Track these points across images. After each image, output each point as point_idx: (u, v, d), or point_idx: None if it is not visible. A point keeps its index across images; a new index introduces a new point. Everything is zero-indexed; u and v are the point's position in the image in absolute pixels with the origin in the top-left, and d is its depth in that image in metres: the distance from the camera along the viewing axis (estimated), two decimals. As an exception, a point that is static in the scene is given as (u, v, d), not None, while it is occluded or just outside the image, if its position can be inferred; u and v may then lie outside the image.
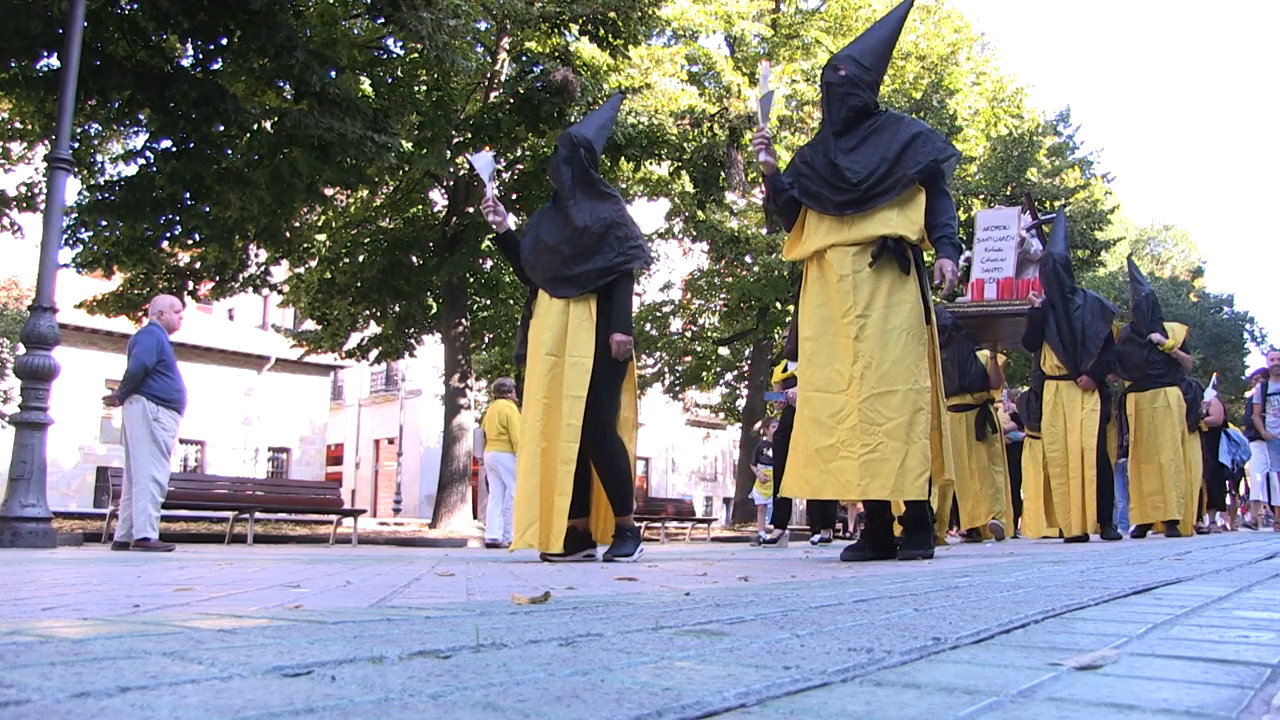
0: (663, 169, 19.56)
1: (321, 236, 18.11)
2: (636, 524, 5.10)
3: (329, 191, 15.28)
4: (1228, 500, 14.80)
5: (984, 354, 9.56)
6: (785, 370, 9.79)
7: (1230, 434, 13.28)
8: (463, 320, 17.72)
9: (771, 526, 10.40)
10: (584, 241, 4.96)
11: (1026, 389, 11.07)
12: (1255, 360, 40.62)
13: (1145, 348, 9.36)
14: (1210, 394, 13.30)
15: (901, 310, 4.32)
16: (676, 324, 26.19)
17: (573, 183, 5.13)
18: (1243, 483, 14.72)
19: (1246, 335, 41.29)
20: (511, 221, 5.68)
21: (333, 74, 11.87)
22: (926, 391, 4.25)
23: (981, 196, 21.88)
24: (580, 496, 4.90)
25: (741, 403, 26.95)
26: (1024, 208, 10.70)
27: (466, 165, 16.85)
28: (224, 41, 11.51)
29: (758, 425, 18.71)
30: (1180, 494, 9.13)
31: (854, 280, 4.38)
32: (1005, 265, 9.79)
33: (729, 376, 28.64)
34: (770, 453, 11.10)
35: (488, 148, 6.04)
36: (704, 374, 26.44)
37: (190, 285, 16.44)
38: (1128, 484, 9.77)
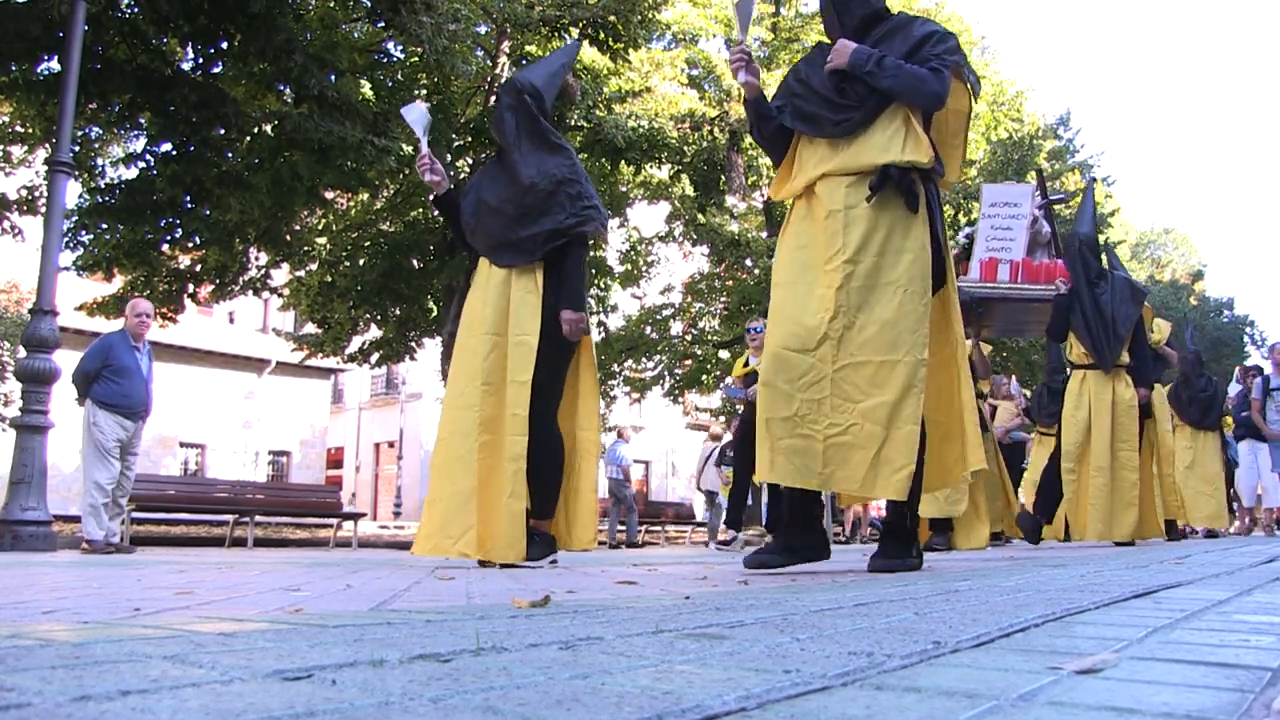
0: (663, 172, 19.57)
1: (322, 240, 18.10)
2: (551, 534, 4.48)
3: (329, 195, 15.28)
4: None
5: (967, 343, 9.14)
6: (746, 365, 9.46)
7: (1221, 434, 13.10)
8: (464, 322, 17.70)
9: (724, 528, 10.02)
10: (530, 200, 4.38)
11: (1040, 384, 10.94)
12: (1254, 363, 40.61)
13: None
14: (1235, 388, 12.96)
15: (901, 260, 3.45)
16: (677, 327, 26.18)
17: (518, 134, 4.52)
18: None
19: (1247, 338, 41.33)
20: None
21: (333, 78, 11.88)
22: (922, 366, 3.39)
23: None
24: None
25: (741, 407, 26.94)
26: (1036, 185, 10.10)
27: (466, 168, 16.87)
28: (224, 45, 11.51)
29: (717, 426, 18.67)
30: (1166, 494, 8.59)
31: (845, 217, 3.49)
32: (1015, 246, 9.16)
33: (729, 380, 28.62)
34: (733, 453, 10.53)
35: (420, 100, 5.44)
36: (704, 377, 26.43)
37: (190, 288, 16.45)
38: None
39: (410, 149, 14.37)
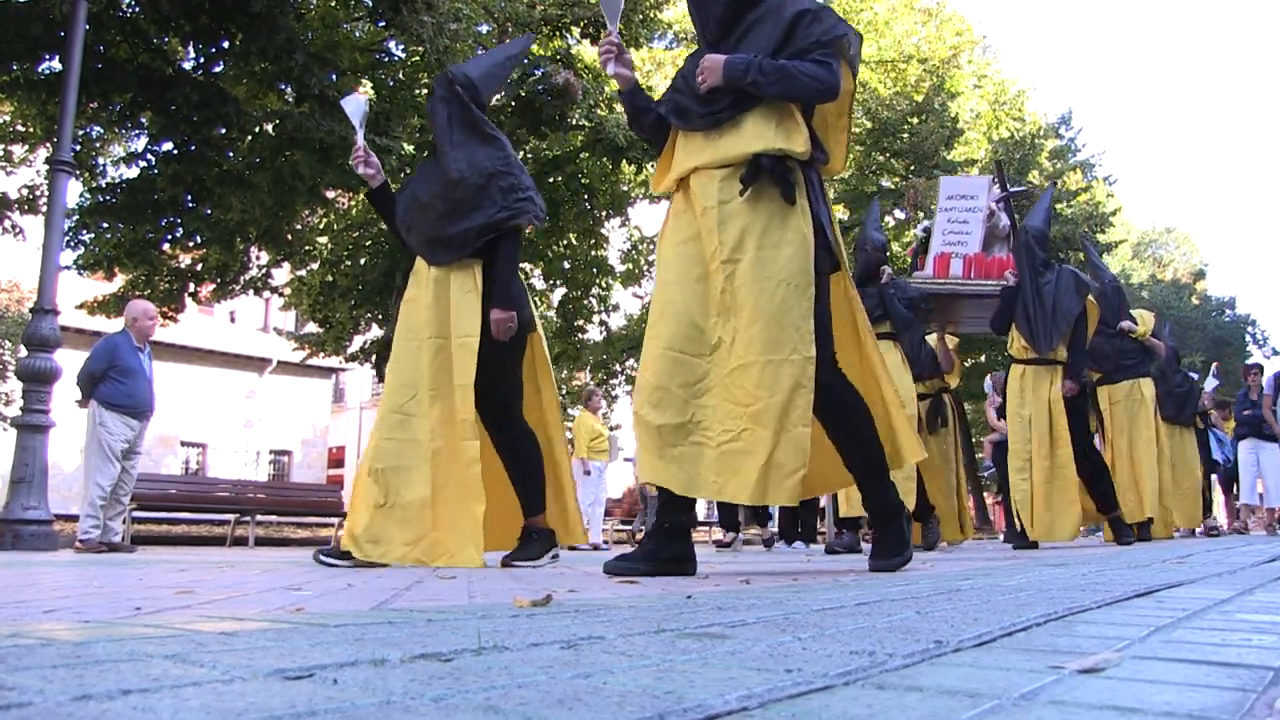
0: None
1: (323, 239, 18.13)
2: (548, 529, 4.43)
3: (330, 194, 15.29)
4: (1223, 500, 14.50)
5: (932, 337, 8.76)
6: None
7: (1216, 432, 12.78)
8: (464, 322, 17.73)
9: (721, 528, 9.89)
10: (460, 195, 4.25)
11: None
12: (1257, 361, 40.60)
13: (1115, 337, 8.67)
14: (1211, 384, 12.74)
15: (780, 255, 3.27)
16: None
17: (449, 126, 4.39)
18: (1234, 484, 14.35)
19: (1248, 338, 41.33)
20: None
21: (334, 77, 11.90)
22: (810, 364, 3.21)
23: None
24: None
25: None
26: (994, 178, 9.70)
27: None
28: (225, 44, 11.53)
29: None
30: (1153, 491, 8.43)
31: (719, 213, 3.32)
32: (970, 240, 8.86)
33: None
34: None
35: (359, 89, 5.15)
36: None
37: (191, 287, 16.46)
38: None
39: (411, 148, 14.41)
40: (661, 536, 3.41)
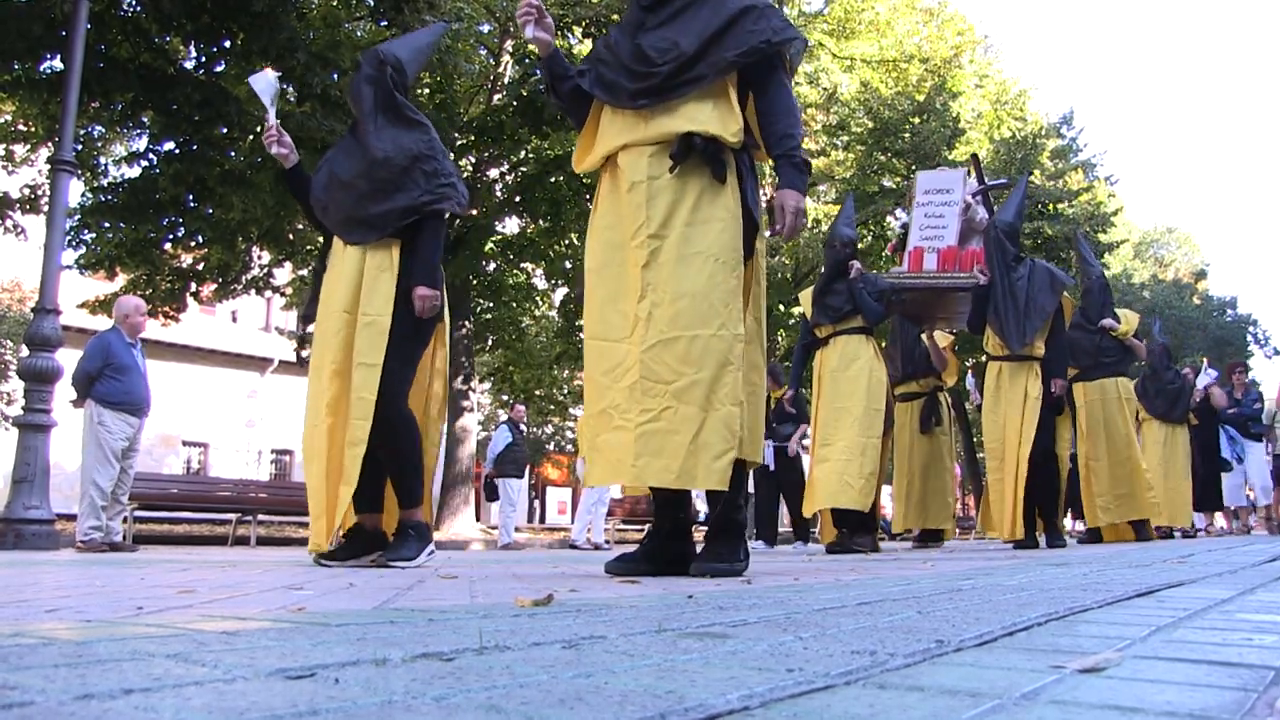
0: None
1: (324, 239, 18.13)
2: (426, 522, 4.30)
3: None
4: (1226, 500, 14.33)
5: (924, 336, 8.65)
6: None
7: (1229, 430, 12.52)
8: (465, 323, 17.75)
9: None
10: (383, 175, 4.18)
11: None
12: (1258, 363, 40.64)
13: (1096, 334, 8.55)
14: (1206, 378, 12.50)
15: (709, 230, 3.16)
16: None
17: (374, 107, 4.31)
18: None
19: (1250, 338, 41.29)
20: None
21: (335, 76, 11.89)
22: (739, 341, 3.10)
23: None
24: (373, 488, 4.23)
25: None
26: (969, 169, 9.56)
27: (469, 166, 16.87)
28: (227, 44, 11.54)
29: None
30: (1137, 491, 8.28)
31: (648, 189, 3.20)
32: (946, 234, 8.66)
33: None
34: None
35: (268, 67, 4.84)
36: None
37: (193, 287, 16.47)
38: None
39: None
40: (662, 536, 3.39)
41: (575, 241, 19.07)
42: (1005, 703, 0.80)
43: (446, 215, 4.42)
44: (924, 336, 8.54)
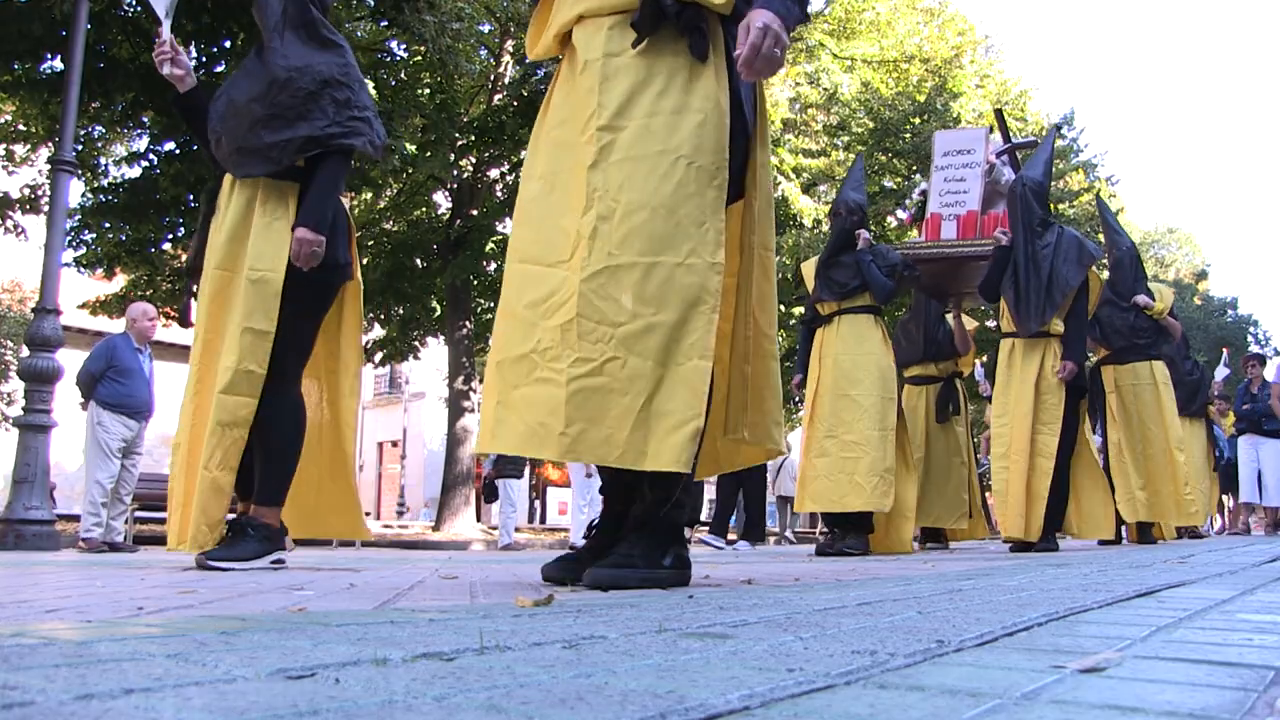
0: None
1: (325, 239, 18.13)
2: (276, 526, 3.68)
3: (332, 194, 15.29)
4: (1224, 498, 14.00)
5: (948, 315, 7.89)
6: None
7: (1213, 427, 11.84)
8: (466, 323, 17.76)
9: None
10: (284, 99, 3.56)
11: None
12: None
13: (1129, 311, 7.61)
14: (1222, 374, 12.03)
15: (682, 123, 2.41)
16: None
17: (282, 20, 3.69)
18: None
19: (1251, 338, 41.26)
20: None
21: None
22: (715, 273, 2.36)
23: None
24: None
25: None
26: (993, 128, 8.74)
27: (470, 167, 16.87)
28: (227, 44, 11.55)
29: None
30: (1173, 488, 7.37)
31: (604, 68, 2.46)
32: (968, 198, 7.83)
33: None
34: None
35: None
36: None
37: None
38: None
39: (414, 148, 14.40)
40: (606, 530, 2.73)
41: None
42: (1006, 702, 0.79)
43: (353, 156, 3.83)
44: (949, 316, 7.83)
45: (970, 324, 8.13)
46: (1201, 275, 48.80)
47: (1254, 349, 40.44)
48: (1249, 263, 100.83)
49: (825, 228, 17.92)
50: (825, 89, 21.76)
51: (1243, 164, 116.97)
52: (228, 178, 3.72)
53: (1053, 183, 23.11)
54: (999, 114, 9.70)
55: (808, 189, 20.45)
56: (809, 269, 6.88)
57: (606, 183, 2.38)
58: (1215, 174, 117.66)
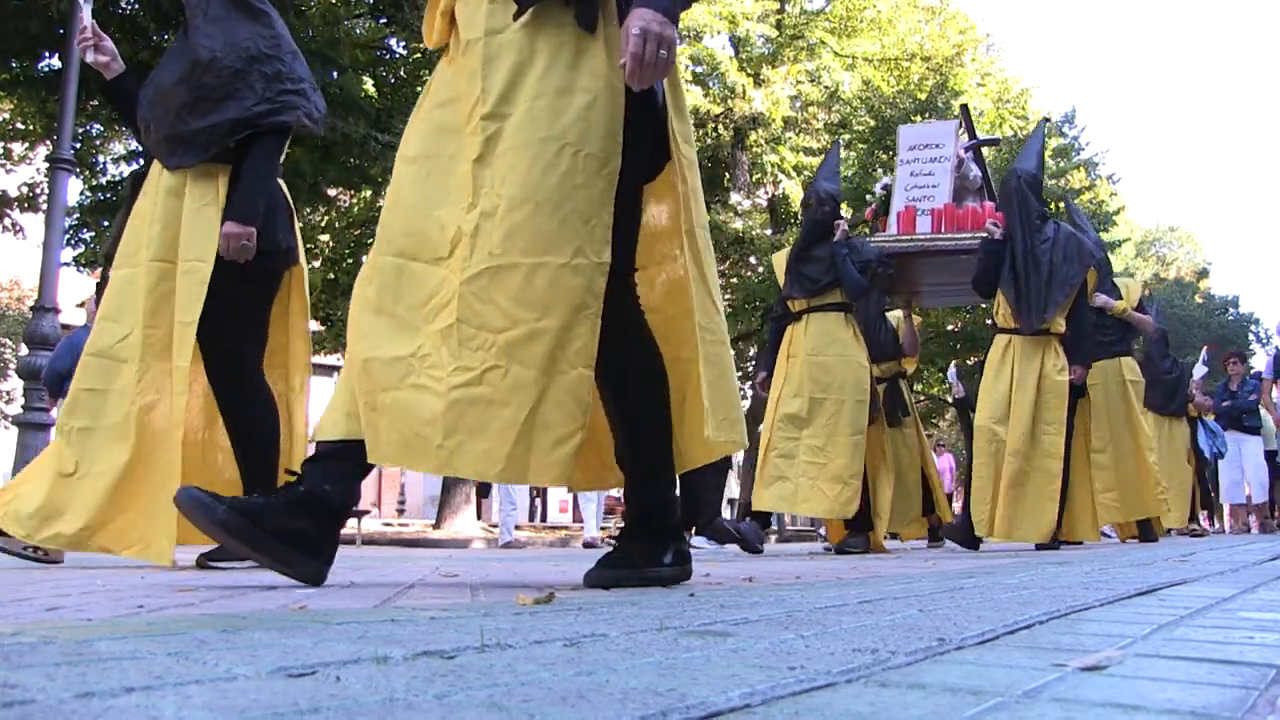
0: (667, 169, 19.53)
1: (325, 237, 18.12)
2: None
3: (332, 192, 15.29)
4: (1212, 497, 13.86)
5: (895, 314, 7.66)
6: None
7: (1206, 423, 11.54)
8: (466, 321, 17.74)
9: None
10: (210, 81, 3.35)
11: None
12: (1260, 362, 40.54)
13: (1092, 310, 7.28)
14: (1200, 371, 11.72)
15: (568, 106, 2.22)
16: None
17: None
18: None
19: (1252, 337, 41.26)
20: None
21: (335, 74, 11.89)
22: (601, 274, 2.22)
23: (985, 197, 21.90)
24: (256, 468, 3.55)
25: (746, 403, 26.95)
26: (961, 123, 8.58)
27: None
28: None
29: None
30: (1143, 487, 7.29)
31: (486, 48, 2.28)
32: (938, 193, 7.71)
33: (733, 377, 28.62)
34: None
35: None
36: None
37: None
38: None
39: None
40: (291, 502, 2.36)
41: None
42: (1007, 700, 0.79)
43: (290, 132, 3.61)
44: (897, 316, 7.61)
45: (918, 320, 7.97)
46: (1203, 273, 48.81)
47: (1255, 347, 40.50)
48: (1250, 261, 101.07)
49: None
50: (826, 87, 21.75)
51: (1244, 162, 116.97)
52: (155, 165, 3.55)
53: (1054, 181, 23.18)
54: (964, 109, 9.55)
55: (808, 187, 20.43)
56: (780, 261, 6.66)
57: (491, 177, 2.24)
58: (1216, 172, 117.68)
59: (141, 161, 3.50)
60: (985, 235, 6.58)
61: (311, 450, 2.54)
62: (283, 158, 3.66)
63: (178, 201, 3.40)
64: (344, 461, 2.34)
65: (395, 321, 2.29)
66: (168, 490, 3.12)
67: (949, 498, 9.33)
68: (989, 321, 7.76)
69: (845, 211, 7.13)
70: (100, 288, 3.93)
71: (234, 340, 3.47)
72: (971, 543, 6.42)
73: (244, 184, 3.40)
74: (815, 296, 6.23)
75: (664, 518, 2.51)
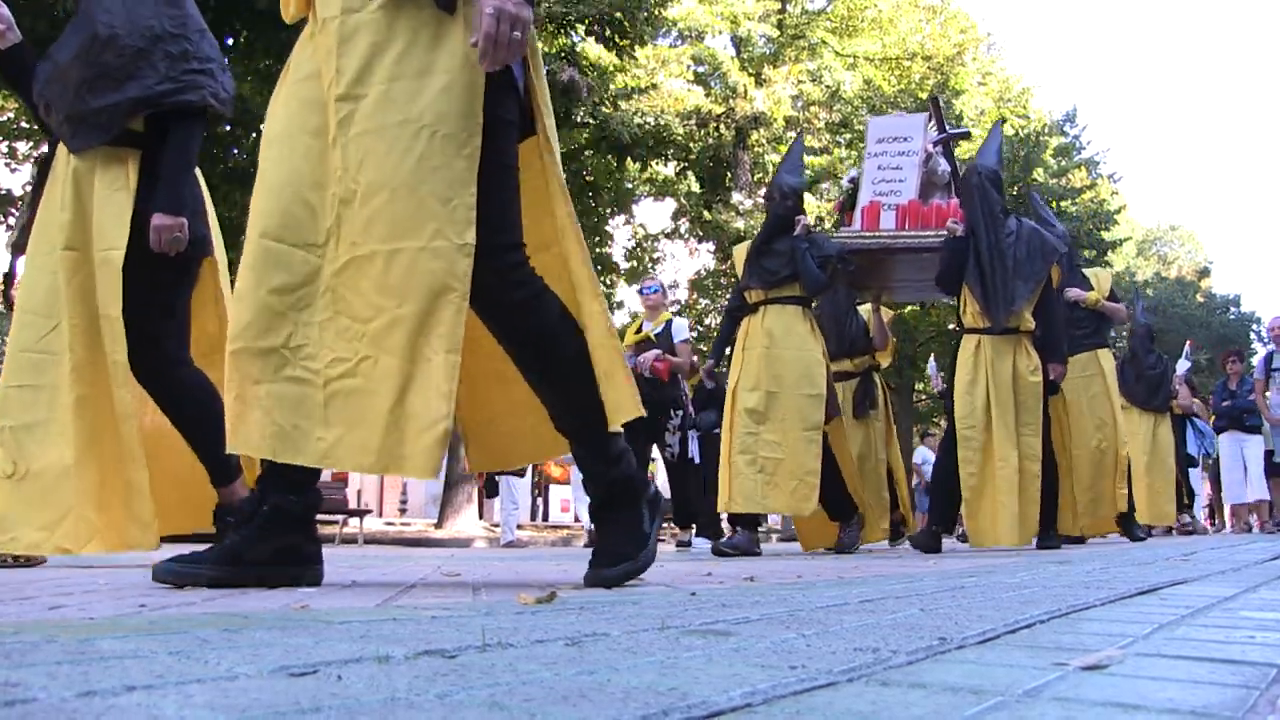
0: (669, 169, 19.58)
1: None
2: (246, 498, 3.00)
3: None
4: (1209, 497, 13.72)
5: (865, 308, 7.48)
6: (639, 331, 8.15)
7: (1196, 423, 11.55)
8: (467, 320, 17.76)
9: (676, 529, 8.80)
10: (109, 59, 3.19)
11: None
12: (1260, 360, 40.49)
13: (1064, 305, 7.25)
14: (1184, 367, 11.67)
15: (425, 87, 2.20)
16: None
17: None
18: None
19: (1253, 336, 41.18)
20: None
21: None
22: (465, 256, 2.17)
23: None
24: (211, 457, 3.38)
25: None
26: (930, 116, 8.26)
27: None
28: (230, 41, 11.54)
29: None
30: (1117, 483, 7.23)
31: (341, 28, 2.25)
32: (905, 187, 7.46)
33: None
34: None
35: None
36: (709, 374, 26.37)
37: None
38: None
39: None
40: (260, 526, 2.33)
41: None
42: (1008, 700, 0.79)
43: (201, 115, 3.43)
44: (868, 308, 7.44)
45: (887, 315, 7.81)
46: (1204, 273, 48.72)
47: (1256, 346, 40.43)
48: (1251, 260, 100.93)
49: (829, 225, 17.95)
50: (828, 86, 21.75)
51: (1245, 161, 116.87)
52: (61, 147, 3.38)
53: (1056, 181, 23.18)
54: (934, 101, 9.26)
55: (810, 186, 20.44)
56: (740, 254, 6.49)
57: (346, 161, 2.21)
58: (1218, 171, 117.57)
59: (47, 147, 3.45)
60: (947, 233, 6.46)
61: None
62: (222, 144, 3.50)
63: (87, 187, 3.28)
64: (295, 470, 2.30)
65: (259, 306, 2.24)
66: (122, 481, 3.14)
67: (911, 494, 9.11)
68: (951, 326, 7.55)
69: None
70: (9, 279, 3.81)
71: (150, 328, 3.31)
72: (934, 548, 6.15)
73: (166, 173, 3.27)
74: (773, 289, 6.09)
75: (627, 487, 2.48)
